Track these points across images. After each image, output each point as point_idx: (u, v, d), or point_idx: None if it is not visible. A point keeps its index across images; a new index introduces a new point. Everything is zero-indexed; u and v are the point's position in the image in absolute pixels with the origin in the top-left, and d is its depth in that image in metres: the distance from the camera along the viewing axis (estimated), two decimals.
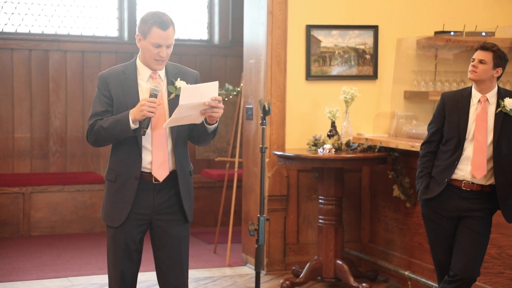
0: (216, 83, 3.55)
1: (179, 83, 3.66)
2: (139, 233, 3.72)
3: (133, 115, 3.54)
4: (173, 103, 3.63)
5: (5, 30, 8.19)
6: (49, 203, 7.74)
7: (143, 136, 3.62)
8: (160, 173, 3.65)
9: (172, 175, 3.69)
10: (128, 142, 3.64)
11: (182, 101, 3.47)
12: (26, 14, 8.26)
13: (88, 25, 8.47)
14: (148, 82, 3.66)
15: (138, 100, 3.60)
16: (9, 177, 7.83)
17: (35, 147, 8.20)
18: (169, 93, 3.66)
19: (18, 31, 8.24)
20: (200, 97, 3.50)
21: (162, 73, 3.70)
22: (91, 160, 8.39)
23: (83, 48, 8.33)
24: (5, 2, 8.17)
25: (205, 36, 9.03)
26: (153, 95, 3.55)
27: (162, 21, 3.58)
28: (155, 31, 3.58)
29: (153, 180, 3.66)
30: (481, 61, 4.26)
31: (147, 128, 3.55)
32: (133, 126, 3.55)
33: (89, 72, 8.30)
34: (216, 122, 3.66)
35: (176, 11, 8.80)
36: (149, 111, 3.51)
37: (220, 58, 8.91)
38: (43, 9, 8.30)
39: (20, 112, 8.13)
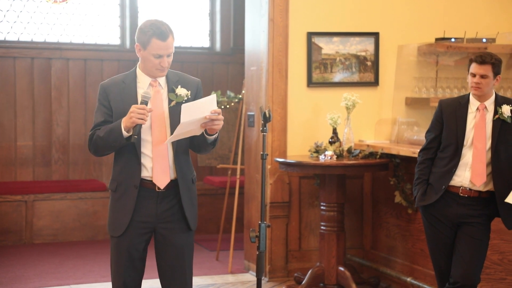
0: (214, 97, 3.55)
1: (180, 90, 3.65)
2: (142, 241, 3.70)
3: (124, 123, 3.52)
4: (174, 110, 3.62)
5: (7, 39, 8.21)
6: (52, 211, 7.75)
7: (144, 145, 3.61)
8: (161, 179, 3.62)
9: (174, 183, 3.66)
10: (128, 151, 3.62)
11: (183, 118, 3.46)
12: (28, 22, 8.29)
13: (90, 33, 8.49)
14: (148, 90, 3.64)
15: None
16: (11, 185, 7.84)
17: (37, 155, 8.22)
18: (170, 101, 3.65)
19: (21, 39, 8.27)
20: (200, 112, 3.50)
21: (162, 80, 3.68)
22: (93, 168, 8.41)
23: (85, 56, 8.35)
24: (7, 10, 8.20)
25: (206, 44, 9.05)
26: (143, 101, 3.53)
27: (161, 32, 3.55)
28: (155, 42, 3.55)
29: (156, 188, 3.64)
30: (482, 76, 4.25)
31: (137, 135, 3.53)
32: (125, 134, 3.53)
33: (92, 80, 8.32)
34: (216, 132, 3.65)
35: (178, 19, 8.82)
36: (138, 118, 3.48)
37: (222, 65, 8.93)
38: (45, 18, 8.33)
39: (23, 120, 8.15)
